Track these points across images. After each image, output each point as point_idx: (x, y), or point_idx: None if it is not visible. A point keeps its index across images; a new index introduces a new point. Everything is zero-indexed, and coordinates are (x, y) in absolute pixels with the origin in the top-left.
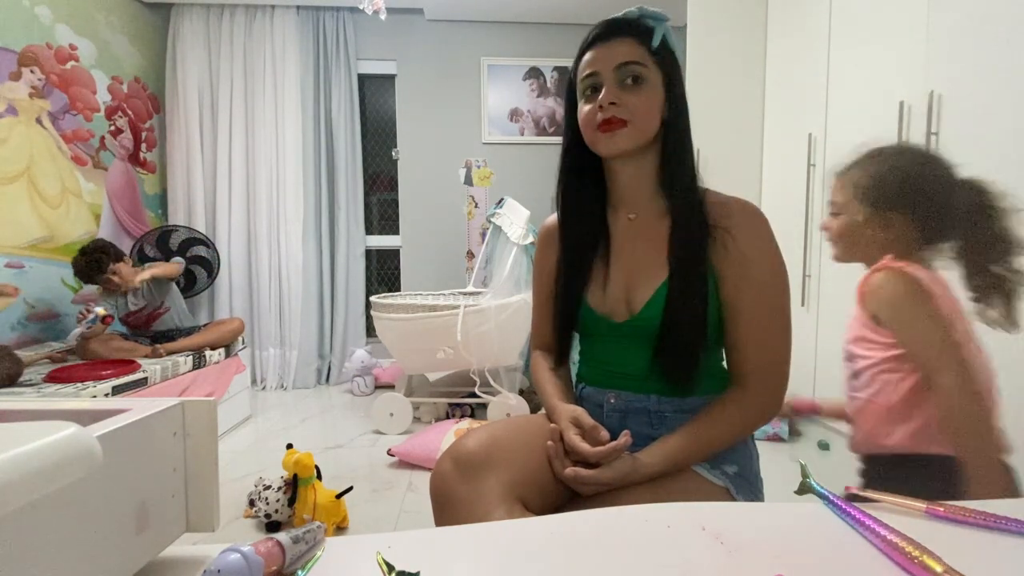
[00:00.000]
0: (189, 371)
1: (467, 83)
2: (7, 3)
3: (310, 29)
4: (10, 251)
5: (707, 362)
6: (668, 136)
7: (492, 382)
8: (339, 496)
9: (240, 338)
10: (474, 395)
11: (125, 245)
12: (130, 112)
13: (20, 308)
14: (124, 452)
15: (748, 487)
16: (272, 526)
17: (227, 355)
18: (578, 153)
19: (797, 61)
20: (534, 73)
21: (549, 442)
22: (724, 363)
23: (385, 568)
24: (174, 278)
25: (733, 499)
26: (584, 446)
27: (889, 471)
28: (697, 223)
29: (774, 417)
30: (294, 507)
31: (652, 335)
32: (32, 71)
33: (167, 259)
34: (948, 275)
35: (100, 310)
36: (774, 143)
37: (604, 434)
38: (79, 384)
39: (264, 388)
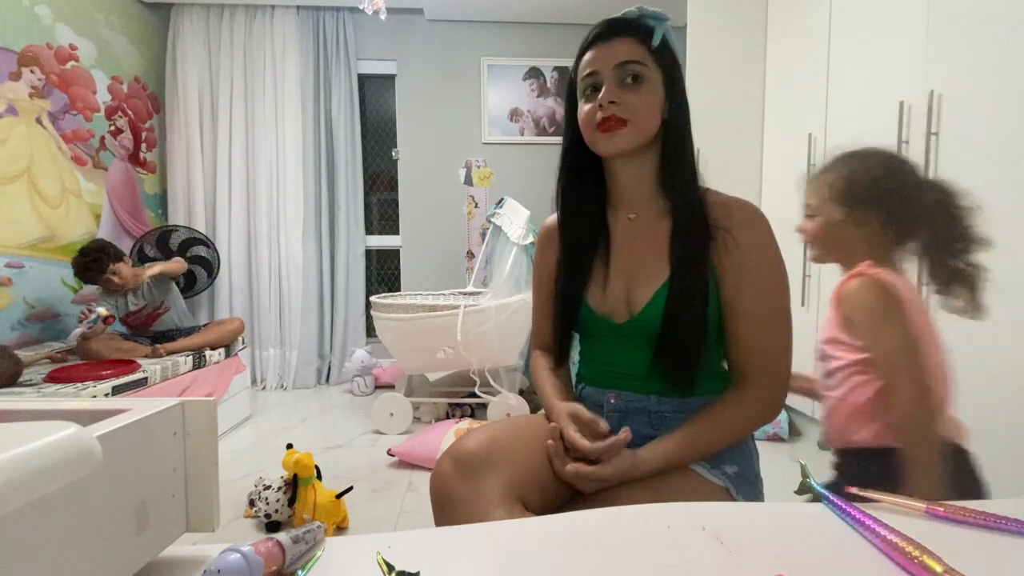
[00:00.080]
0: (189, 371)
1: (467, 83)
2: (7, 3)
3: (310, 29)
4: (10, 251)
5: (707, 362)
6: (668, 136)
7: (492, 382)
8: (339, 496)
9: (240, 338)
10: (474, 395)
11: (125, 245)
12: (130, 112)
13: (20, 308)
14: (124, 452)
15: (748, 487)
16: (272, 526)
17: (227, 355)
18: (578, 153)
19: (797, 61)
20: (534, 73)
21: (549, 441)
22: (724, 363)
23: (385, 568)
24: (179, 275)
25: (733, 499)
26: (584, 442)
27: (859, 463)
28: (698, 223)
29: (775, 417)
30: (294, 507)
31: (652, 335)
32: (32, 71)
33: (167, 259)
34: (913, 270)
35: (102, 310)
36: (774, 143)
37: (603, 425)
38: (79, 384)
39: (264, 388)
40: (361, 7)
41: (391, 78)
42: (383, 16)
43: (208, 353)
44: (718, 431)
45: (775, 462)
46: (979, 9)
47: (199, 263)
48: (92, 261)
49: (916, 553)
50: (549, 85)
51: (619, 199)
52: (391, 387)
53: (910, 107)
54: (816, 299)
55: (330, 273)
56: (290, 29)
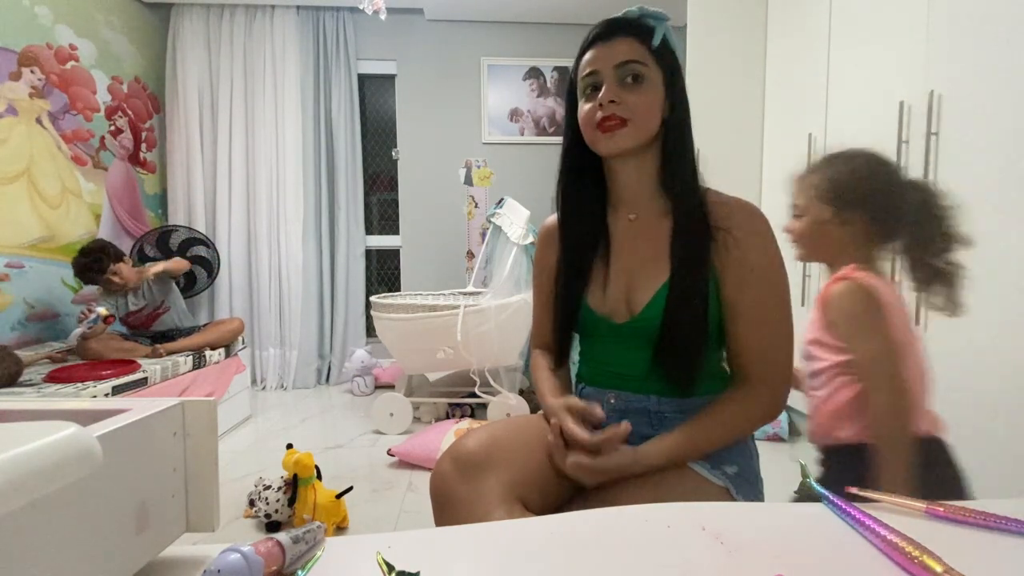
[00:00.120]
0: (189, 371)
1: (467, 83)
2: (7, 3)
3: (310, 29)
4: (10, 251)
5: (707, 363)
6: (668, 136)
7: (492, 382)
8: (339, 496)
9: (240, 338)
10: (474, 395)
11: (125, 245)
12: (130, 112)
13: (20, 308)
14: (124, 452)
15: (748, 487)
16: (272, 526)
17: (227, 355)
18: (578, 153)
19: (797, 61)
20: (534, 73)
21: (549, 437)
22: (724, 364)
23: (385, 568)
24: (181, 273)
25: (733, 499)
26: (583, 434)
27: (841, 460)
28: (699, 223)
29: (777, 416)
30: (294, 507)
31: (652, 336)
32: (32, 71)
33: (168, 259)
34: (895, 269)
35: (102, 310)
36: (774, 143)
37: (599, 412)
38: (79, 384)
39: (264, 388)
40: (361, 7)
41: (391, 78)
42: (383, 16)
43: (208, 353)
44: (720, 429)
45: (775, 462)
46: (979, 9)
47: (199, 263)
48: (93, 261)
49: (916, 553)
50: (549, 85)
51: (619, 199)
52: (391, 387)
53: (910, 107)
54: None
55: (330, 273)
56: (290, 29)
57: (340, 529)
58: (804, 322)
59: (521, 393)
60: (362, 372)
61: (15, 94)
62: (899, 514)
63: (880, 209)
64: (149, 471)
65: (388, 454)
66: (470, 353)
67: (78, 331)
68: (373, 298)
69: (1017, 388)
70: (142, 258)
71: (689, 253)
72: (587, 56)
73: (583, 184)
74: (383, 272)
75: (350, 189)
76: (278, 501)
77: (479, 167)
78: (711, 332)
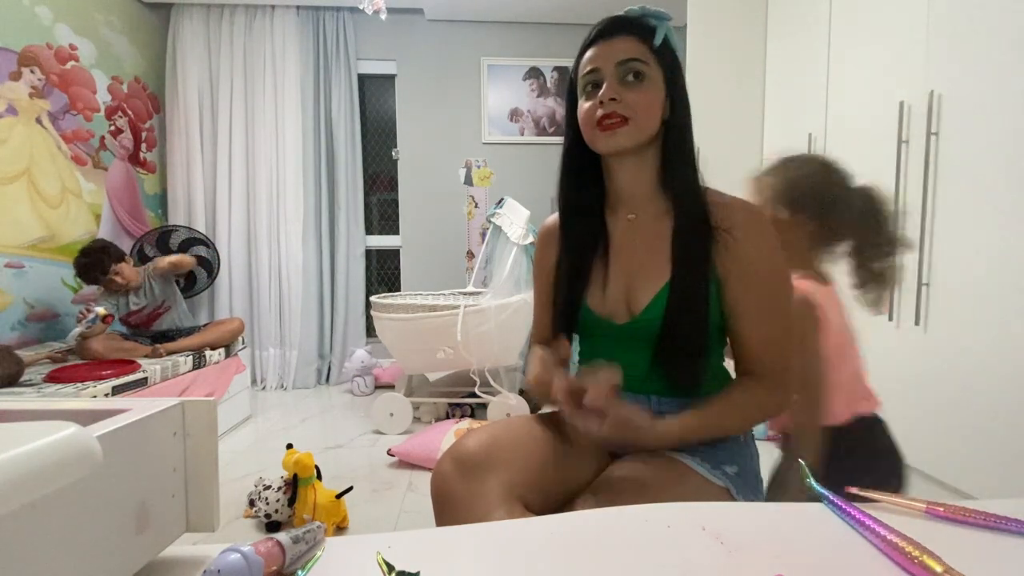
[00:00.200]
0: (189, 371)
1: (467, 83)
2: (7, 3)
3: (310, 29)
4: (10, 251)
5: (708, 363)
6: (669, 135)
7: (492, 382)
8: (339, 496)
9: (240, 338)
10: (474, 395)
11: (125, 245)
12: (130, 112)
13: (20, 308)
14: (124, 452)
15: (748, 487)
16: (272, 526)
17: (227, 355)
18: (579, 152)
19: (797, 61)
20: (534, 73)
21: (560, 397)
22: (725, 364)
23: (385, 568)
24: (188, 269)
25: (733, 499)
26: (584, 386)
27: (789, 446)
28: (700, 224)
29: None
30: (294, 507)
31: (653, 337)
32: (32, 71)
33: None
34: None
35: (100, 310)
36: (774, 143)
37: (565, 348)
38: (79, 384)
39: (264, 388)
40: (361, 7)
41: (391, 78)
42: (383, 16)
43: (208, 353)
44: (734, 412)
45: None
46: (979, 9)
47: (199, 263)
48: (94, 261)
49: (916, 553)
50: (549, 85)
51: (618, 199)
52: (391, 387)
53: (910, 107)
54: None
55: (330, 273)
56: (290, 29)
57: (340, 529)
58: None
59: (521, 393)
60: (362, 372)
61: (15, 94)
62: (899, 514)
63: (828, 213)
64: (149, 471)
65: (388, 454)
66: (470, 353)
67: (77, 331)
68: (373, 298)
69: (1017, 388)
70: (142, 258)
71: (690, 254)
72: (588, 54)
73: (583, 184)
74: (383, 272)
75: (350, 189)
76: (278, 501)
77: (479, 167)
78: (712, 333)
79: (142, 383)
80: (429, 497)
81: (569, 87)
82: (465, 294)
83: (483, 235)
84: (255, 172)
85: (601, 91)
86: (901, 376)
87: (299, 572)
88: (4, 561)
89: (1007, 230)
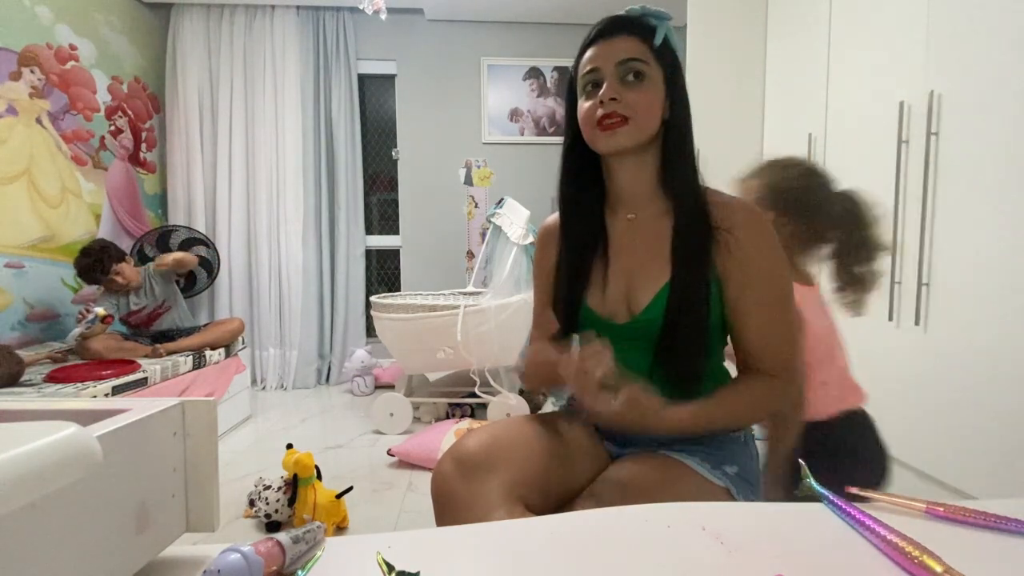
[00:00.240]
0: (189, 371)
1: (467, 83)
2: (7, 3)
3: (310, 29)
4: (10, 251)
5: (708, 363)
6: (669, 135)
7: (492, 382)
8: (339, 496)
9: (240, 338)
10: (474, 395)
11: (125, 245)
12: (130, 112)
13: (20, 308)
14: (124, 452)
15: (748, 487)
16: (272, 526)
17: (227, 355)
18: (579, 152)
19: (797, 61)
20: (534, 73)
21: (570, 371)
22: (725, 364)
23: (385, 568)
24: (192, 267)
25: (733, 499)
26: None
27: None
28: (700, 224)
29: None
30: (294, 507)
31: (653, 337)
32: (32, 71)
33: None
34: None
35: (99, 310)
36: (774, 143)
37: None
38: (79, 384)
39: (264, 388)
40: (361, 7)
41: (391, 78)
42: (383, 16)
43: (208, 353)
44: (742, 404)
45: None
46: (979, 9)
47: (199, 263)
48: (95, 261)
49: (916, 553)
50: (549, 85)
51: (617, 199)
52: (391, 387)
53: (910, 107)
54: None
55: (330, 273)
56: (290, 29)
57: (340, 529)
58: None
59: (521, 393)
60: (362, 372)
61: (15, 94)
62: (899, 514)
63: (811, 215)
64: (149, 471)
65: (388, 454)
66: (470, 353)
67: (76, 331)
68: (373, 298)
69: (1017, 388)
70: (142, 258)
71: (690, 254)
72: (588, 53)
73: (583, 184)
74: (383, 272)
75: (350, 189)
76: (278, 501)
77: (479, 167)
78: (712, 333)
79: (142, 383)
80: (429, 497)
81: (569, 87)
82: (465, 294)
83: (483, 235)
84: (255, 172)
85: (601, 91)
86: (901, 376)
87: (299, 572)
88: (4, 561)
89: (1007, 230)
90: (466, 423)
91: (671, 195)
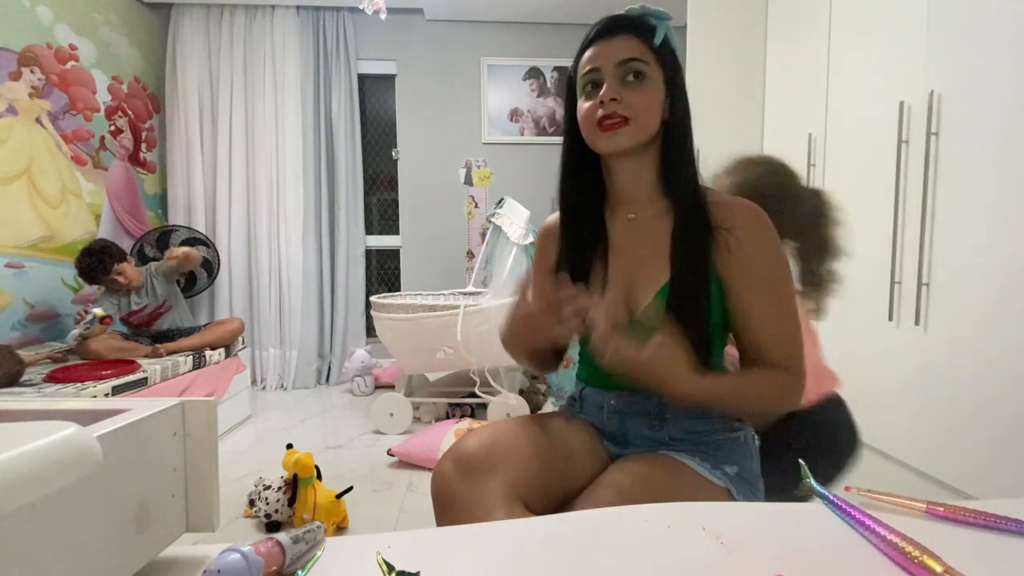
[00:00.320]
0: (189, 371)
1: (467, 83)
2: (7, 3)
3: (310, 29)
4: (10, 251)
5: (709, 363)
6: (669, 135)
7: (492, 382)
8: (339, 496)
9: (240, 338)
10: (474, 395)
11: (125, 245)
12: (130, 112)
13: (20, 308)
14: (124, 452)
15: (748, 487)
16: (272, 526)
17: (227, 355)
18: (579, 152)
19: (797, 61)
20: (534, 73)
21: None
22: (725, 364)
23: (385, 568)
24: (197, 264)
25: (733, 499)
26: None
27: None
28: (700, 224)
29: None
30: (294, 507)
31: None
32: (32, 71)
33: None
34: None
35: (98, 311)
36: (774, 143)
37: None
38: (79, 384)
39: (264, 388)
40: (361, 7)
41: (391, 78)
42: (383, 16)
43: (208, 353)
44: (754, 388)
45: None
46: (979, 9)
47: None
48: (96, 262)
49: (916, 553)
50: (549, 85)
51: (617, 199)
52: (391, 387)
53: (910, 107)
54: None
55: (330, 273)
56: (290, 29)
57: (340, 529)
58: None
59: (521, 393)
60: (362, 372)
61: (15, 94)
62: (899, 514)
63: (777, 212)
64: (149, 471)
65: (388, 454)
66: (470, 353)
67: (74, 332)
68: (373, 298)
69: (1017, 388)
70: (142, 258)
71: (690, 253)
72: (588, 53)
73: (583, 184)
74: (383, 272)
75: (350, 189)
76: (278, 501)
77: (479, 167)
78: (712, 332)
79: (142, 383)
80: (429, 497)
81: (568, 87)
82: (465, 294)
83: (483, 235)
84: (255, 172)
85: (601, 91)
86: (901, 376)
87: (299, 572)
88: (4, 561)
89: (1007, 230)
90: (466, 423)
91: (671, 195)
